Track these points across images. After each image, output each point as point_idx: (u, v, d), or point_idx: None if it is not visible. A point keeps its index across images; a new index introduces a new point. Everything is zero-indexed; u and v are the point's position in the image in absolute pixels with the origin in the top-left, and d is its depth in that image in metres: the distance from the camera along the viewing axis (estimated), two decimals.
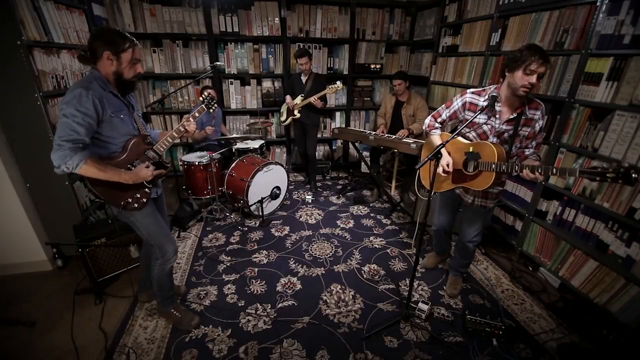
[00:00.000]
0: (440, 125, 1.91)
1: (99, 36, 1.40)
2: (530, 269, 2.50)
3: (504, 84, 1.64)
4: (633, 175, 1.17)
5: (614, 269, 1.91)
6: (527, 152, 1.75)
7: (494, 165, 1.59)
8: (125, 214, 1.61)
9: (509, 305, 2.14)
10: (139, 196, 1.59)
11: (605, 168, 1.25)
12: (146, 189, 1.61)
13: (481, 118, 1.72)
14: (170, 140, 1.64)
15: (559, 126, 2.20)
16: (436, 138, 1.90)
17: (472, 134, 1.80)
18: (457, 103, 1.81)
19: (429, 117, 1.93)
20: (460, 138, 1.82)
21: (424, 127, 1.96)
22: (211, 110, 1.77)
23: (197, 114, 1.70)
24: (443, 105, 1.89)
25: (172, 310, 1.93)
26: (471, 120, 1.64)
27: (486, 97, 1.69)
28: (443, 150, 1.75)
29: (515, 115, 1.64)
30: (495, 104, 1.64)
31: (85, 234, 2.14)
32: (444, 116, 1.88)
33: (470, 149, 1.71)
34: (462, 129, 1.66)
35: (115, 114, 1.45)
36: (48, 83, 2.20)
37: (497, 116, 1.68)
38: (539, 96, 2.33)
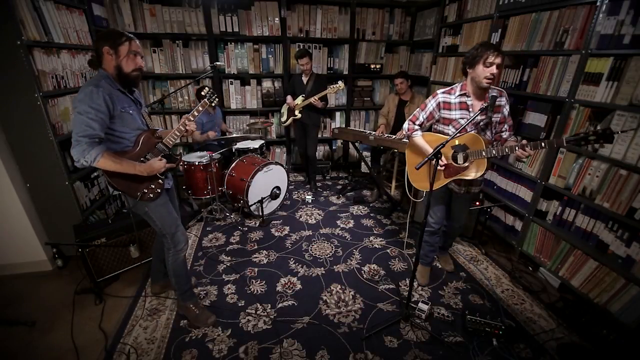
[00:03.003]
0: (419, 127, 1.99)
1: (99, 36, 1.53)
2: (530, 269, 2.50)
3: (468, 81, 1.82)
4: (607, 132, 1.36)
5: (614, 269, 1.91)
6: (504, 135, 1.92)
7: (484, 152, 1.72)
8: (141, 205, 1.69)
9: (509, 305, 2.14)
10: (153, 187, 1.67)
11: (586, 132, 1.41)
12: (160, 180, 1.71)
13: (457, 114, 1.86)
14: (178, 134, 1.73)
15: (559, 126, 2.20)
16: (419, 140, 1.96)
17: (451, 130, 1.90)
18: (431, 104, 1.91)
19: (407, 122, 2.00)
20: (439, 135, 1.93)
21: (404, 132, 2.03)
22: (213, 104, 1.84)
23: (196, 113, 1.74)
24: (418, 109, 1.98)
25: (191, 306, 1.96)
26: (470, 121, 1.68)
27: (457, 94, 1.85)
28: (430, 149, 1.86)
29: (485, 104, 1.75)
30: (467, 98, 1.82)
31: (85, 234, 2.14)
32: (421, 118, 1.96)
33: (457, 142, 1.83)
34: (465, 126, 1.69)
35: (124, 109, 1.54)
36: (48, 83, 2.20)
37: (471, 110, 1.83)
38: (539, 96, 2.34)
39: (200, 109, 1.74)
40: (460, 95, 1.84)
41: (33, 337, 1.88)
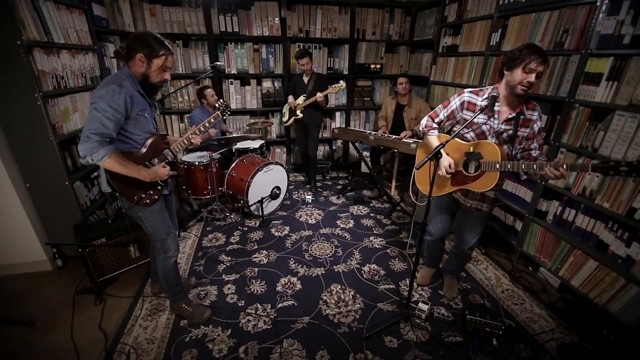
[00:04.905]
0: (437, 126, 1.84)
1: (138, 38, 1.46)
2: (530, 269, 2.50)
3: (502, 83, 1.65)
4: None
5: (614, 269, 1.91)
6: (534, 154, 1.72)
7: (497, 165, 1.57)
8: (135, 209, 1.66)
9: (509, 305, 2.14)
10: (151, 192, 1.65)
11: (618, 161, 1.23)
12: (159, 187, 1.69)
13: (480, 118, 1.70)
14: (186, 142, 1.74)
15: (559, 126, 2.20)
16: (434, 139, 1.82)
17: (470, 135, 1.77)
18: (455, 102, 1.77)
19: (426, 118, 1.86)
20: (457, 139, 1.79)
21: (420, 128, 1.88)
22: (224, 118, 1.85)
23: (207, 124, 1.77)
24: (440, 105, 1.84)
25: (184, 305, 1.97)
26: (470, 121, 1.62)
27: (485, 96, 1.69)
28: (442, 152, 1.69)
29: (514, 114, 1.63)
30: (495, 103, 1.64)
31: (85, 234, 2.14)
32: (441, 116, 1.82)
33: (471, 149, 1.69)
34: (462, 129, 1.65)
35: (141, 112, 1.52)
36: (48, 83, 2.20)
37: (496, 116, 1.67)
38: (539, 96, 2.34)
39: (213, 120, 1.76)
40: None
41: (33, 337, 1.87)
